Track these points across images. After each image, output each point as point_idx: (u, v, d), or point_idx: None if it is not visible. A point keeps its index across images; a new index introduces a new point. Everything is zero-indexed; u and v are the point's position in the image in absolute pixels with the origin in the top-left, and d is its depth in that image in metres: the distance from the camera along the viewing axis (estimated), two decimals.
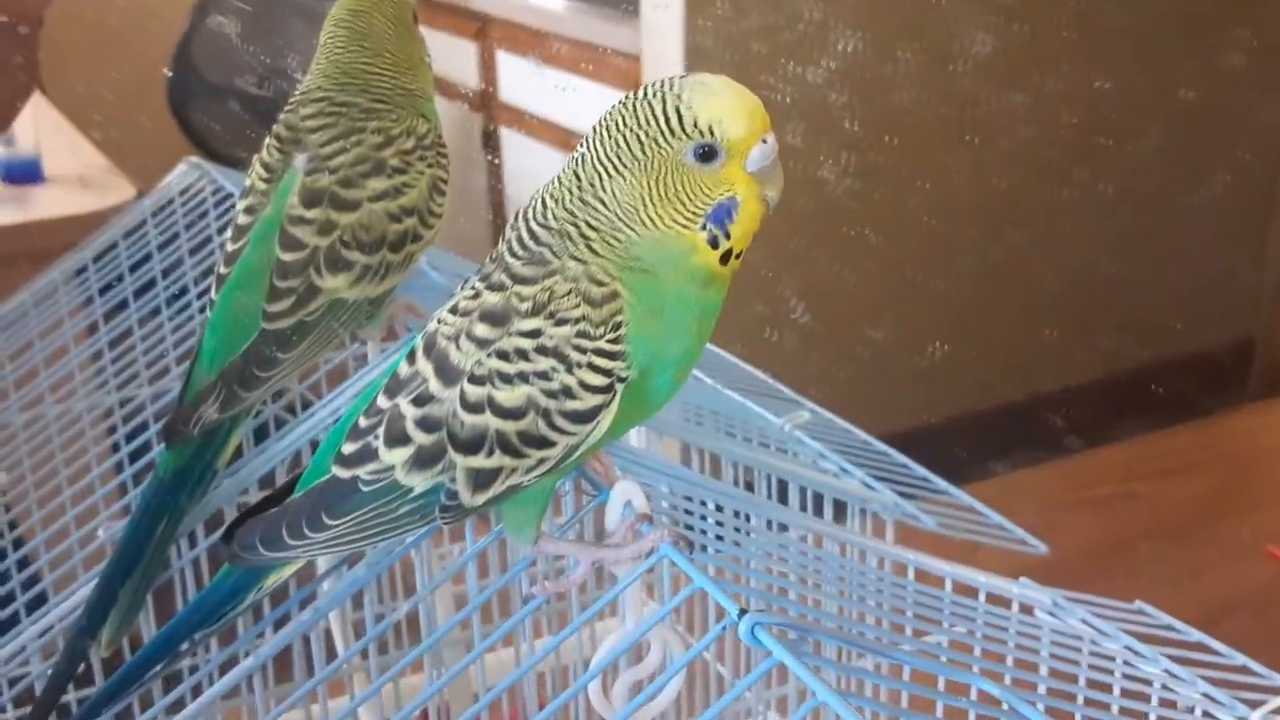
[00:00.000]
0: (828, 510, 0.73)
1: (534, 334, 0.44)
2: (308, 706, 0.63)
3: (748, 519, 0.65)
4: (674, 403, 0.70)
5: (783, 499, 0.74)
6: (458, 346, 0.45)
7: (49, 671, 0.58)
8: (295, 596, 0.55)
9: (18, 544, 0.75)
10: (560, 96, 1.87)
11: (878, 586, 0.63)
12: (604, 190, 0.44)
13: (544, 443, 0.45)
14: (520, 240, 0.46)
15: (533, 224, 0.46)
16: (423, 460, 0.45)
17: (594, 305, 0.44)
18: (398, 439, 0.46)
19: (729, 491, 0.64)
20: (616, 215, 0.44)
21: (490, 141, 2.06)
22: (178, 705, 0.53)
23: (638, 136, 0.44)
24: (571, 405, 0.44)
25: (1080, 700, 0.51)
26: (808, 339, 1.66)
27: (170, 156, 0.94)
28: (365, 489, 0.47)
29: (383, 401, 0.47)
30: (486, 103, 2.06)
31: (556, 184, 0.46)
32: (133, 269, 0.83)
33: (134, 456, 0.72)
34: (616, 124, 0.44)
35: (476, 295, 0.46)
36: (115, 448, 0.76)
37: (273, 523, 0.48)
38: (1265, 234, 2.01)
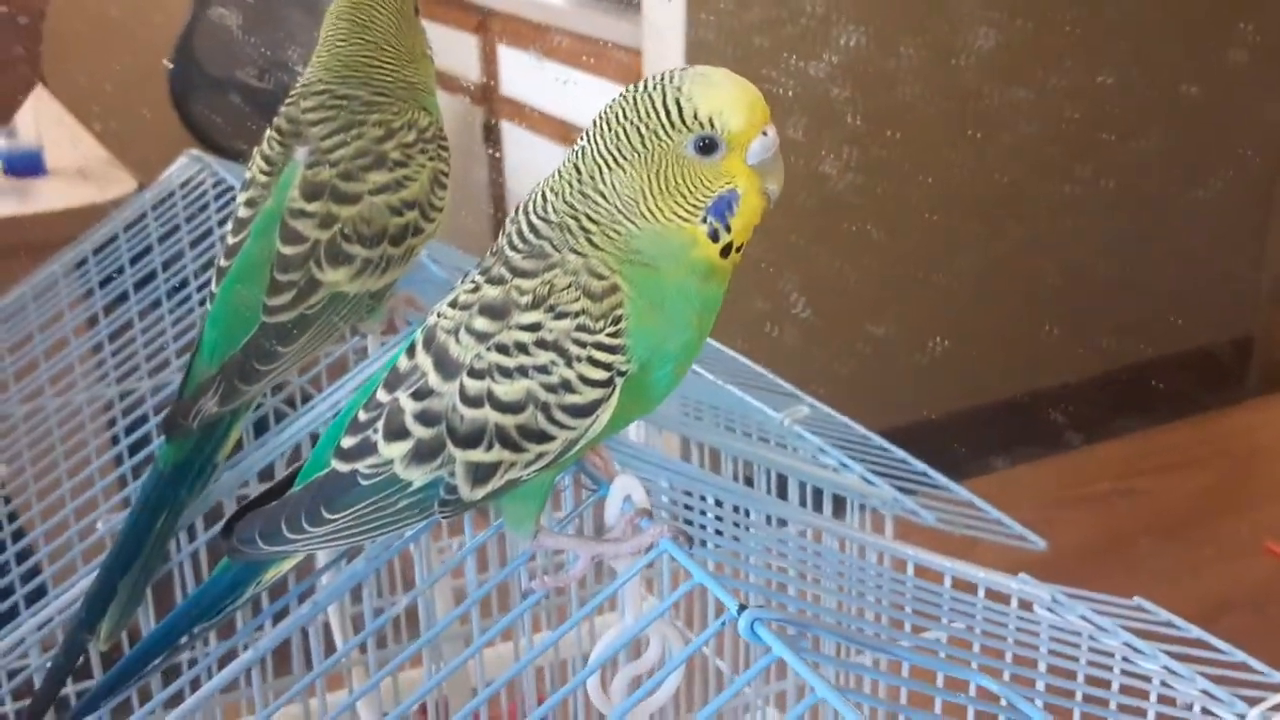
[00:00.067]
0: (827, 505, 0.73)
1: (533, 327, 0.44)
2: (306, 700, 0.63)
3: (747, 514, 0.65)
4: (673, 397, 0.70)
5: (782, 494, 0.74)
6: (457, 340, 0.45)
7: (48, 664, 0.58)
8: (294, 590, 0.55)
9: (17, 536, 0.75)
10: (561, 90, 1.86)
11: (877, 582, 0.63)
12: (604, 183, 0.44)
13: (543, 437, 0.45)
14: (520, 234, 0.46)
15: (533, 217, 0.46)
16: (422, 454, 0.45)
17: (594, 299, 0.44)
18: (397, 433, 0.46)
19: (728, 486, 0.64)
20: (617, 208, 0.44)
21: (491, 135, 2.06)
22: (176, 698, 0.53)
23: (638, 129, 0.43)
24: (571, 399, 0.44)
25: (1079, 697, 0.51)
26: (808, 334, 1.66)
27: (171, 149, 0.94)
28: (364, 483, 0.46)
29: (382, 395, 0.47)
30: (488, 96, 2.05)
31: (556, 177, 0.46)
32: (133, 261, 0.83)
33: (134, 449, 0.72)
34: (617, 117, 0.44)
35: (476, 289, 0.46)
36: (115, 440, 0.76)
37: (272, 517, 0.48)
38: (1265, 232, 2.01)
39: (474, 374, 0.45)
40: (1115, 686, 0.54)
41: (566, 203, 0.45)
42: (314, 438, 0.62)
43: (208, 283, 0.64)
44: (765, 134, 0.44)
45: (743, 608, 0.41)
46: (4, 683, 0.63)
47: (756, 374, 0.88)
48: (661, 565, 0.50)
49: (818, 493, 0.73)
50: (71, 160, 1.40)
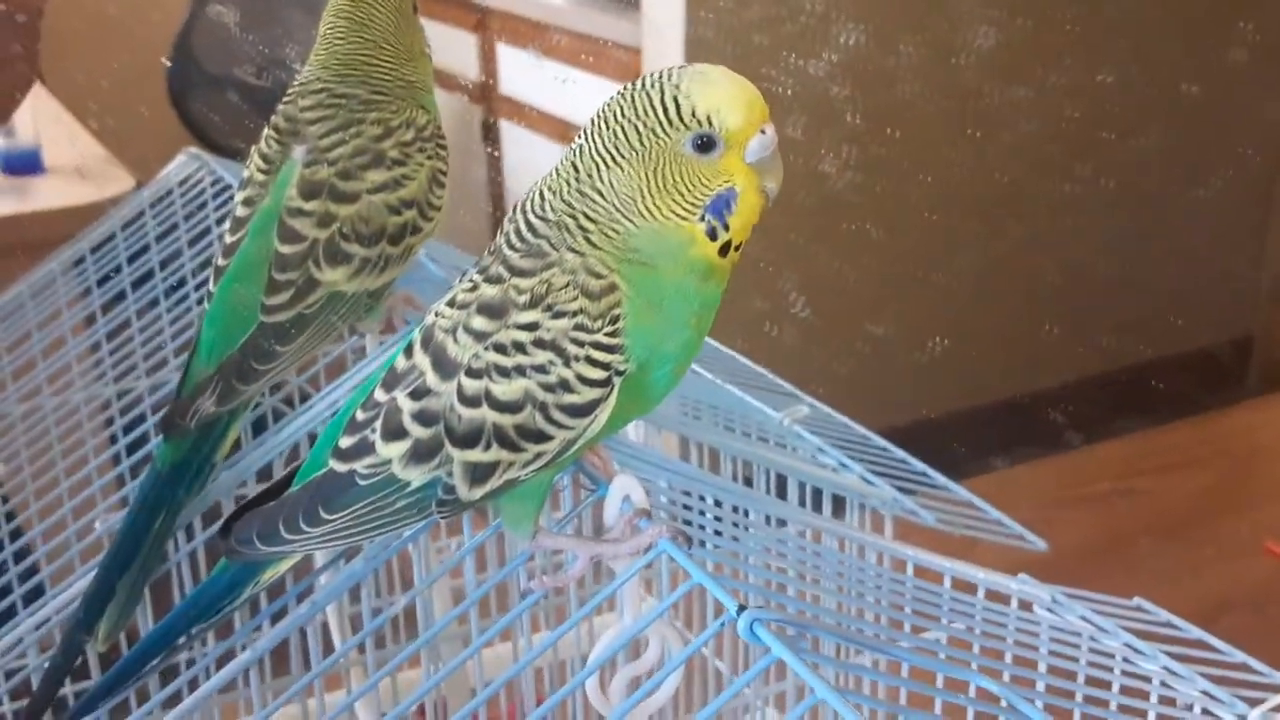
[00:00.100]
0: (826, 505, 0.73)
1: (531, 327, 0.44)
2: (304, 700, 0.63)
3: (746, 514, 0.65)
4: (672, 397, 0.70)
5: (781, 494, 0.74)
6: (455, 339, 0.45)
7: (46, 664, 0.58)
8: (292, 591, 0.55)
9: (14, 535, 0.75)
10: (560, 89, 1.86)
11: (876, 582, 0.62)
12: (602, 181, 0.44)
13: (541, 436, 0.45)
14: (518, 232, 0.46)
15: (530, 216, 0.46)
16: (420, 454, 0.45)
17: (592, 298, 0.44)
18: (395, 433, 0.46)
19: (728, 486, 0.64)
20: (614, 207, 0.44)
21: (490, 134, 2.06)
22: (174, 699, 0.53)
23: (635, 127, 0.43)
24: (569, 399, 0.44)
25: (1079, 697, 0.51)
26: (807, 333, 1.66)
27: (169, 147, 0.93)
28: (362, 483, 0.46)
29: (380, 395, 0.47)
30: (486, 95, 2.05)
31: (554, 176, 0.46)
32: (131, 260, 0.83)
33: (132, 448, 0.72)
34: (614, 115, 0.44)
35: (474, 288, 0.46)
36: (113, 439, 0.75)
37: (269, 517, 0.48)
38: (1265, 231, 2.01)
39: (472, 373, 0.44)
40: (1115, 687, 0.54)
41: (564, 201, 0.45)
42: (312, 437, 0.62)
43: (205, 281, 0.63)
44: (763, 132, 0.44)
45: (742, 608, 0.41)
46: (2, 683, 0.63)
47: (756, 373, 0.88)
48: (660, 565, 0.49)
49: (817, 493, 0.73)
50: (69, 158, 1.40)
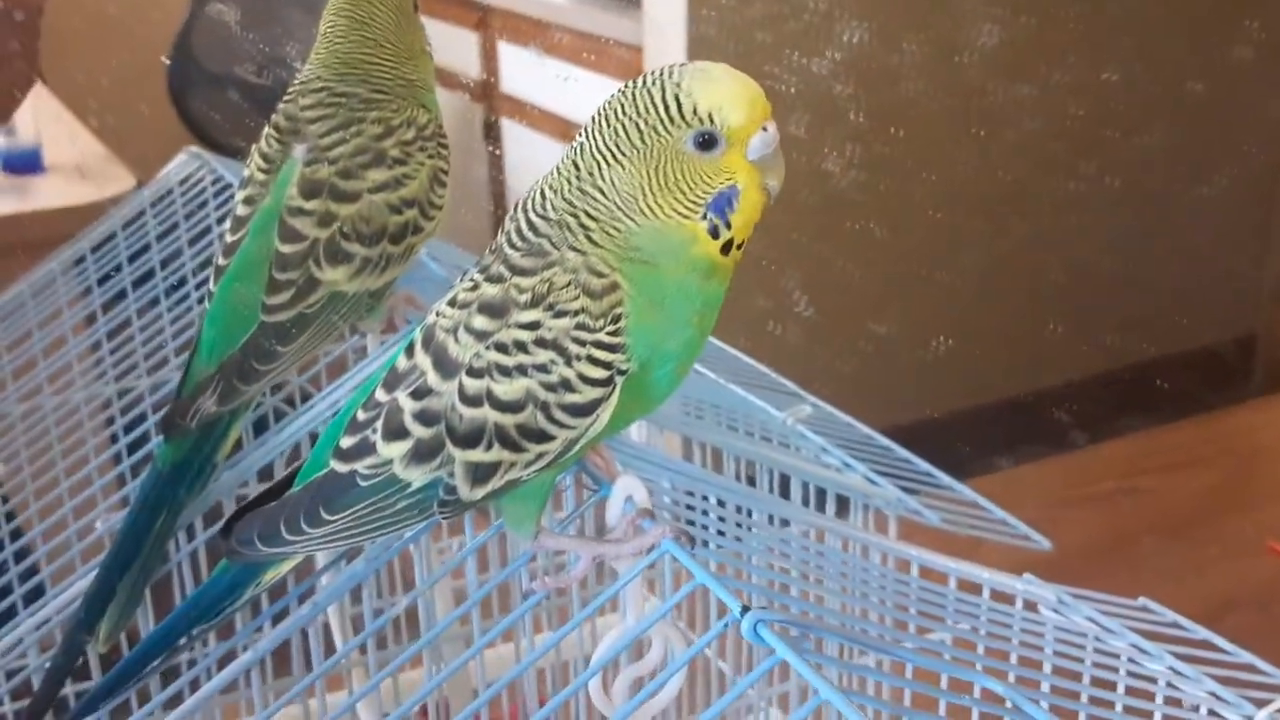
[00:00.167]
0: (830, 506, 0.73)
1: (533, 326, 0.44)
2: (305, 701, 0.63)
3: (749, 514, 0.64)
4: (675, 396, 0.69)
5: (784, 494, 0.73)
6: (456, 339, 0.45)
7: (46, 665, 0.58)
8: (294, 591, 0.55)
9: (15, 535, 0.75)
10: (562, 87, 1.86)
11: (880, 583, 0.62)
12: (603, 180, 0.44)
13: (543, 436, 0.44)
14: (519, 231, 0.45)
15: (531, 215, 0.45)
16: (421, 454, 0.45)
17: (593, 297, 0.43)
18: (396, 433, 0.45)
19: (731, 486, 0.64)
20: (616, 205, 0.44)
21: (491, 132, 2.05)
22: (175, 699, 0.53)
23: (637, 125, 0.43)
24: (571, 398, 0.44)
25: (1085, 698, 0.51)
26: (810, 332, 1.66)
27: (169, 146, 0.93)
28: (363, 483, 0.46)
29: (381, 395, 0.47)
30: (488, 93, 2.05)
31: (555, 174, 0.45)
32: (131, 259, 0.83)
33: (132, 448, 0.72)
34: (615, 112, 0.44)
35: (475, 287, 0.46)
36: (114, 439, 0.75)
37: (270, 518, 0.48)
38: (1269, 229, 2.00)
39: (473, 373, 0.44)
40: (1121, 688, 0.54)
41: (565, 200, 0.45)
42: (313, 437, 0.61)
43: (206, 281, 0.63)
44: (765, 129, 0.43)
45: (745, 609, 0.41)
46: (3, 683, 0.62)
47: (759, 373, 0.88)
48: (663, 566, 0.49)
49: (821, 493, 0.73)
50: (70, 157, 1.39)
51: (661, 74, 0.43)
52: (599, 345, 0.43)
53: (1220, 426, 1.88)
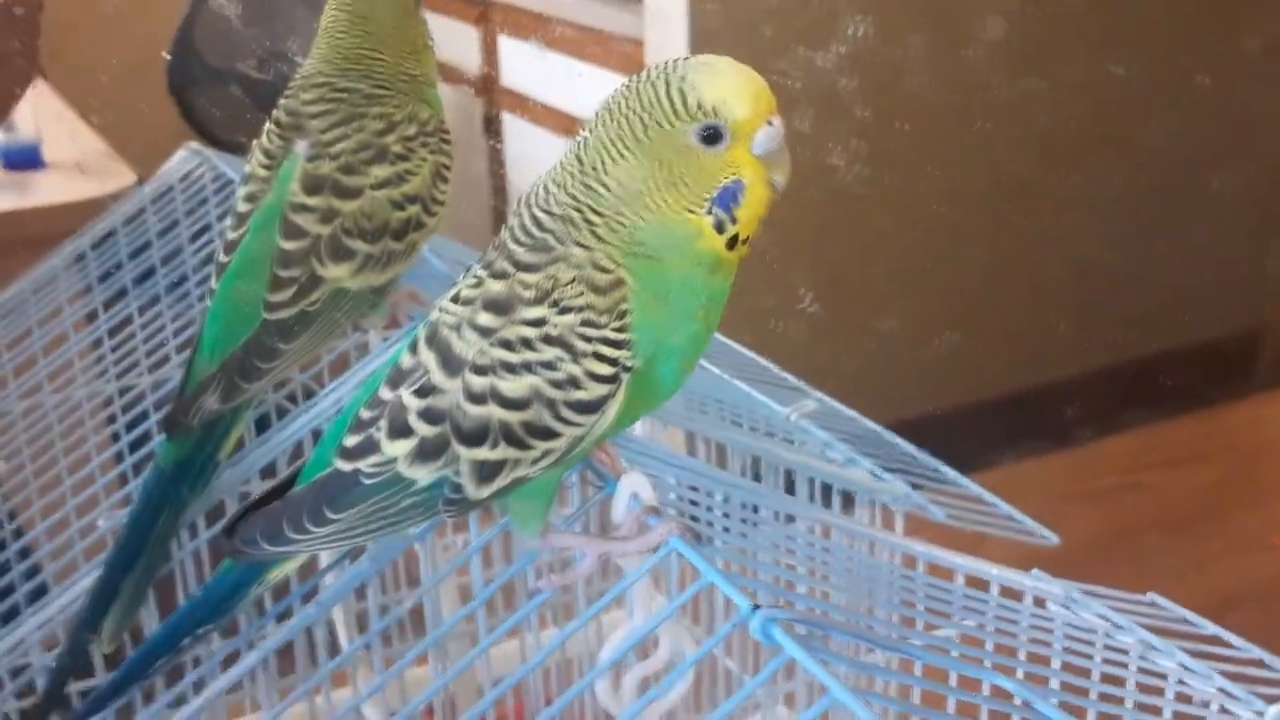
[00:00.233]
0: (835, 501, 0.72)
1: (538, 322, 0.43)
2: (311, 698, 0.63)
3: (755, 510, 0.64)
4: (679, 392, 0.69)
5: (789, 489, 0.73)
6: (461, 336, 0.44)
7: (51, 663, 0.58)
8: (298, 590, 0.55)
9: (17, 534, 0.74)
10: (563, 81, 1.85)
11: (888, 579, 0.62)
12: (607, 175, 0.43)
13: (549, 434, 0.44)
14: (523, 226, 0.45)
15: (536, 210, 0.45)
16: (426, 452, 0.45)
17: (599, 293, 0.43)
18: (400, 431, 0.45)
19: (737, 482, 0.64)
20: (620, 200, 0.43)
21: (492, 127, 2.05)
22: (180, 697, 0.53)
23: (641, 119, 0.43)
24: (577, 395, 0.43)
25: (1094, 695, 0.51)
26: (815, 327, 1.65)
27: (170, 142, 0.93)
28: (368, 482, 0.46)
29: (385, 393, 0.46)
30: (488, 88, 2.04)
31: (559, 169, 0.45)
32: (132, 256, 0.82)
33: (134, 446, 0.72)
34: (619, 107, 0.43)
35: (479, 283, 0.45)
36: (115, 437, 0.75)
37: (275, 517, 0.48)
38: (1274, 224, 2.00)
39: (478, 370, 0.44)
40: (1131, 684, 0.54)
41: (569, 195, 0.44)
42: (316, 434, 0.61)
43: (207, 278, 0.63)
44: (771, 124, 0.43)
45: (755, 607, 0.40)
46: (8, 681, 0.62)
47: (763, 368, 0.87)
48: (670, 562, 0.49)
49: (826, 488, 0.72)
50: (70, 154, 1.39)
51: (666, 68, 0.43)
52: (605, 342, 0.43)
53: (1223, 422, 1.88)
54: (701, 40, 1.53)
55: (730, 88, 0.42)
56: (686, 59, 0.43)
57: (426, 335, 0.46)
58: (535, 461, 0.45)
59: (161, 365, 0.76)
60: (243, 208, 0.62)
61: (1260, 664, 0.56)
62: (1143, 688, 0.53)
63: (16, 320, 0.84)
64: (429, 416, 0.44)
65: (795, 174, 0.45)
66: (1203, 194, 1.87)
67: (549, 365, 0.43)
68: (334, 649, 0.66)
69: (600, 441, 0.47)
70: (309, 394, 0.67)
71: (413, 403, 0.45)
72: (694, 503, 0.58)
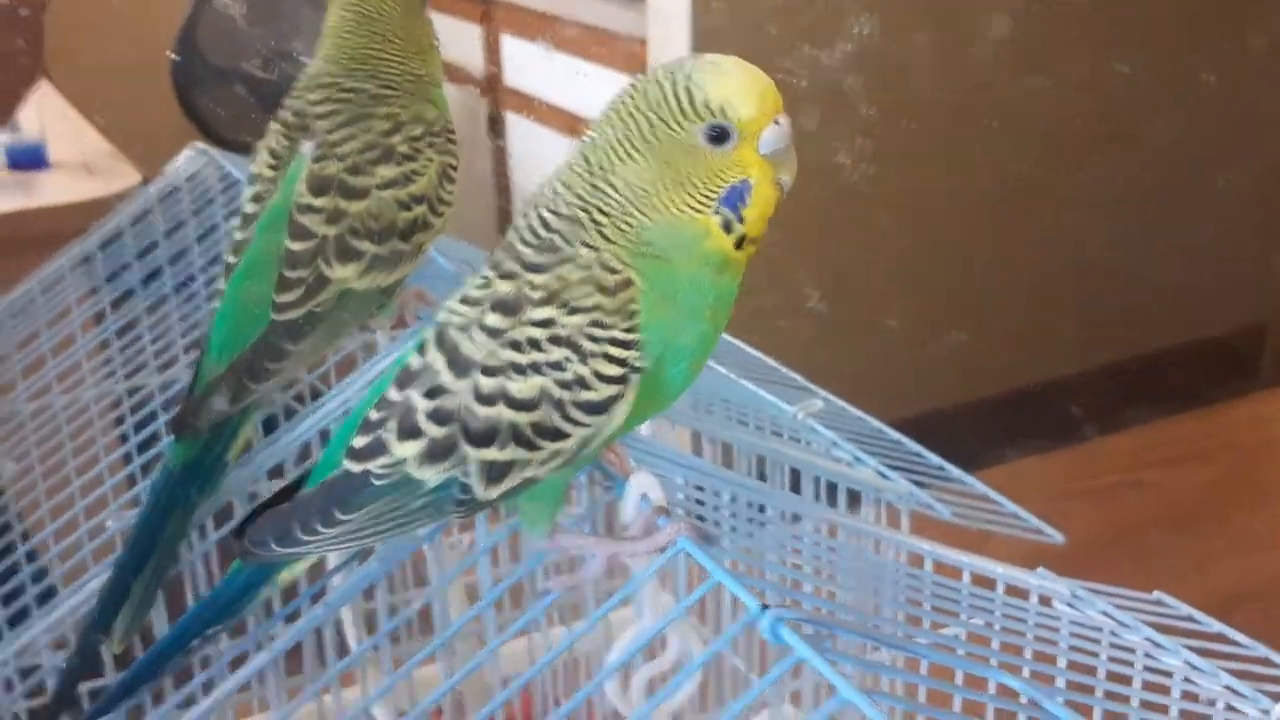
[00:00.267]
0: (842, 500, 0.72)
1: (547, 323, 0.43)
2: (320, 697, 0.63)
3: (761, 509, 0.64)
4: (685, 391, 0.69)
5: (795, 489, 0.73)
6: (469, 337, 0.45)
7: (61, 664, 0.58)
8: (306, 591, 0.55)
9: (25, 536, 0.75)
10: (567, 80, 1.85)
11: (894, 578, 0.62)
12: (614, 175, 0.43)
13: (558, 434, 0.44)
14: (531, 227, 0.45)
15: (544, 211, 0.45)
16: (435, 453, 0.45)
17: (607, 293, 0.43)
18: (409, 432, 0.45)
19: (744, 482, 0.64)
20: (628, 200, 0.43)
21: (495, 126, 2.05)
22: (190, 697, 0.53)
23: (648, 119, 0.43)
24: (586, 396, 0.43)
25: (1100, 693, 0.51)
26: (820, 326, 1.65)
27: (173, 141, 0.93)
28: (377, 483, 0.46)
29: (394, 394, 0.47)
30: (491, 87, 2.04)
31: (567, 170, 0.45)
32: (139, 256, 0.83)
33: (142, 447, 0.72)
34: (626, 107, 0.43)
35: (487, 284, 0.45)
36: (124, 438, 0.75)
37: (284, 518, 0.48)
38: (1278, 223, 1.99)
39: (487, 371, 0.44)
40: (1137, 683, 0.54)
41: (577, 195, 0.44)
42: (324, 434, 0.61)
43: (214, 278, 0.63)
44: (778, 123, 0.43)
45: (764, 607, 0.40)
46: (18, 683, 0.62)
47: (768, 367, 0.87)
48: (677, 562, 0.49)
49: (832, 487, 0.73)
50: (74, 153, 1.39)
51: (672, 68, 0.43)
52: (614, 342, 0.43)
53: (1225, 420, 1.88)
54: (703, 38, 1.53)
55: (737, 87, 0.42)
56: (693, 58, 0.43)
57: (435, 337, 0.46)
58: (544, 462, 0.45)
59: (169, 366, 0.76)
60: (249, 209, 0.62)
61: (1266, 662, 0.56)
62: (1149, 686, 0.53)
63: (25, 321, 0.84)
64: (438, 417, 0.45)
65: (800, 173, 0.45)
66: (1207, 192, 1.87)
67: (557, 366, 0.43)
68: (341, 647, 0.66)
69: (609, 442, 0.47)
70: (315, 395, 0.68)
71: (421, 403, 0.45)
72: (700, 502, 0.58)
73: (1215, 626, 0.59)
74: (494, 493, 0.45)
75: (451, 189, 0.63)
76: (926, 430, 0.84)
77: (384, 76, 0.63)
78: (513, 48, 1.98)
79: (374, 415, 0.47)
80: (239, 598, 0.51)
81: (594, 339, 0.43)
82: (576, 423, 0.44)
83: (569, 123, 1.84)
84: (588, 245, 0.44)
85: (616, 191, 0.44)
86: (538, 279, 0.44)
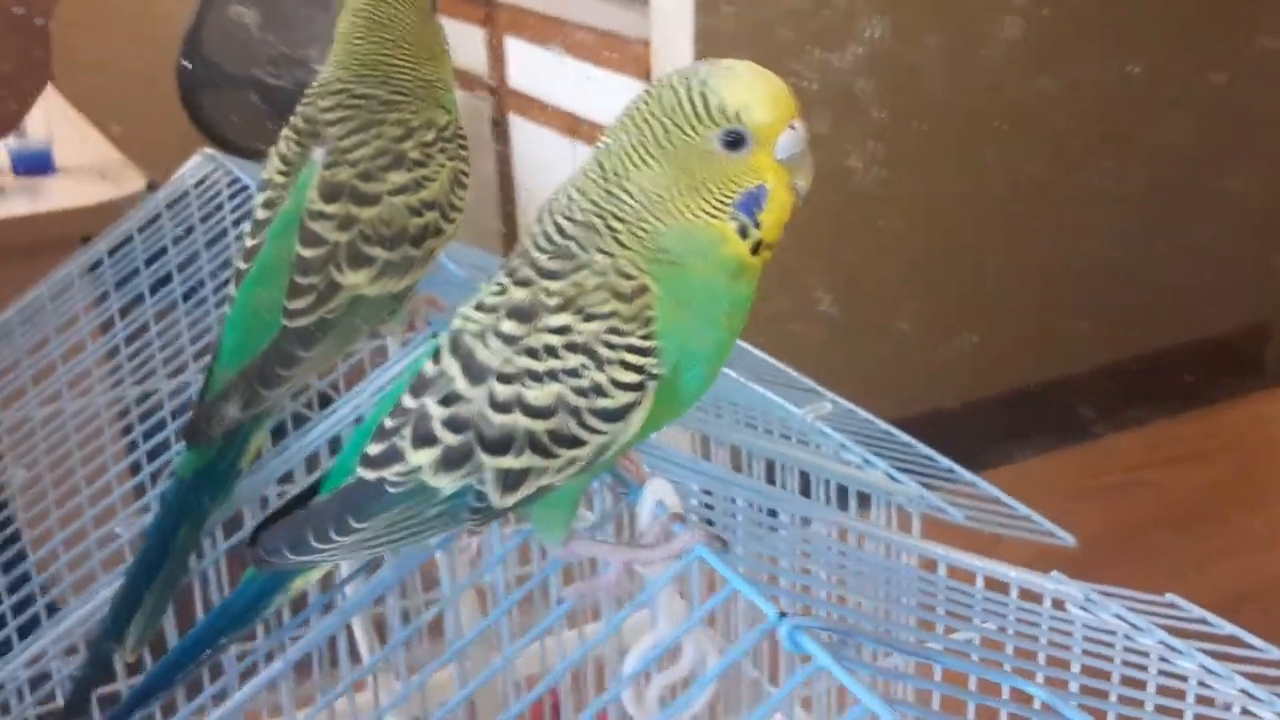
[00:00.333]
0: (852, 503, 0.72)
1: (563, 330, 0.43)
2: (331, 704, 0.63)
3: (774, 514, 0.64)
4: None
5: (805, 492, 0.73)
6: (485, 344, 0.44)
7: (72, 672, 0.58)
8: (317, 600, 0.55)
9: (35, 544, 0.74)
10: (570, 83, 1.85)
11: (906, 582, 0.62)
12: (629, 181, 0.43)
13: (574, 442, 0.44)
14: (546, 234, 0.45)
15: (558, 217, 0.45)
16: (450, 461, 0.45)
17: (623, 300, 0.43)
18: (424, 439, 0.45)
19: (757, 487, 0.64)
20: (643, 206, 0.43)
21: (499, 128, 2.05)
22: (201, 708, 0.53)
23: (663, 125, 0.43)
24: (602, 403, 0.43)
25: (1114, 698, 0.51)
26: (829, 329, 1.65)
27: (180, 145, 0.93)
28: (392, 490, 0.46)
29: (409, 401, 0.46)
30: (495, 90, 2.04)
31: (582, 176, 0.45)
32: (148, 263, 0.82)
33: (152, 455, 0.72)
34: (641, 113, 0.43)
35: (502, 291, 0.45)
36: (133, 445, 0.75)
37: (298, 526, 0.48)
38: None
39: (503, 378, 0.44)
40: (1151, 687, 0.54)
41: (591, 201, 0.44)
42: (334, 442, 0.61)
43: (224, 284, 0.63)
44: (793, 128, 0.43)
45: (782, 615, 0.40)
46: (28, 692, 0.62)
47: (777, 370, 0.87)
48: (691, 568, 0.49)
49: (842, 490, 0.72)
50: (81, 159, 1.39)
51: (686, 73, 0.43)
52: (630, 349, 0.43)
53: (1226, 420, 1.88)
54: (707, 40, 1.53)
55: (752, 92, 0.42)
56: (709, 64, 0.43)
57: (450, 344, 0.46)
58: (560, 470, 0.45)
59: (179, 372, 0.76)
60: (261, 215, 0.62)
61: None
62: (1163, 690, 0.53)
63: (35, 327, 0.84)
64: (453, 425, 0.44)
65: (813, 176, 0.45)
66: (1212, 192, 1.86)
67: (574, 373, 0.43)
68: (352, 652, 0.66)
69: (625, 449, 0.47)
70: (325, 401, 0.67)
71: (437, 411, 0.45)
72: (710, 506, 0.58)
73: (1227, 629, 0.59)
74: (509, 500, 0.45)
75: (463, 194, 0.63)
76: (928, 430, 0.83)
77: (395, 82, 0.62)
78: (515, 50, 1.98)
79: (389, 422, 0.47)
80: (252, 606, 0.51)
81: (610, 346, 0.43)
82: (593, 430, 0.44)
83: (572, 124, 1.84)
84: (603, 251, 0.44)
85: (631, 197, 0.43)
86: (553, 285, 0.44)
